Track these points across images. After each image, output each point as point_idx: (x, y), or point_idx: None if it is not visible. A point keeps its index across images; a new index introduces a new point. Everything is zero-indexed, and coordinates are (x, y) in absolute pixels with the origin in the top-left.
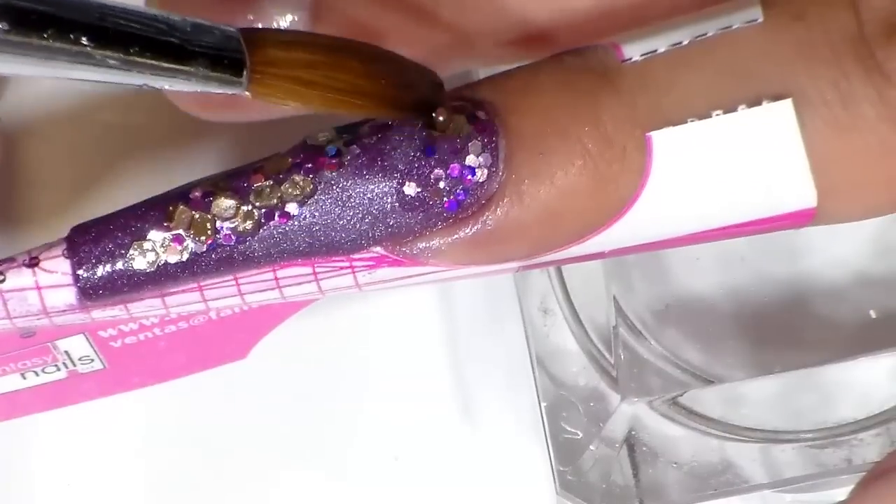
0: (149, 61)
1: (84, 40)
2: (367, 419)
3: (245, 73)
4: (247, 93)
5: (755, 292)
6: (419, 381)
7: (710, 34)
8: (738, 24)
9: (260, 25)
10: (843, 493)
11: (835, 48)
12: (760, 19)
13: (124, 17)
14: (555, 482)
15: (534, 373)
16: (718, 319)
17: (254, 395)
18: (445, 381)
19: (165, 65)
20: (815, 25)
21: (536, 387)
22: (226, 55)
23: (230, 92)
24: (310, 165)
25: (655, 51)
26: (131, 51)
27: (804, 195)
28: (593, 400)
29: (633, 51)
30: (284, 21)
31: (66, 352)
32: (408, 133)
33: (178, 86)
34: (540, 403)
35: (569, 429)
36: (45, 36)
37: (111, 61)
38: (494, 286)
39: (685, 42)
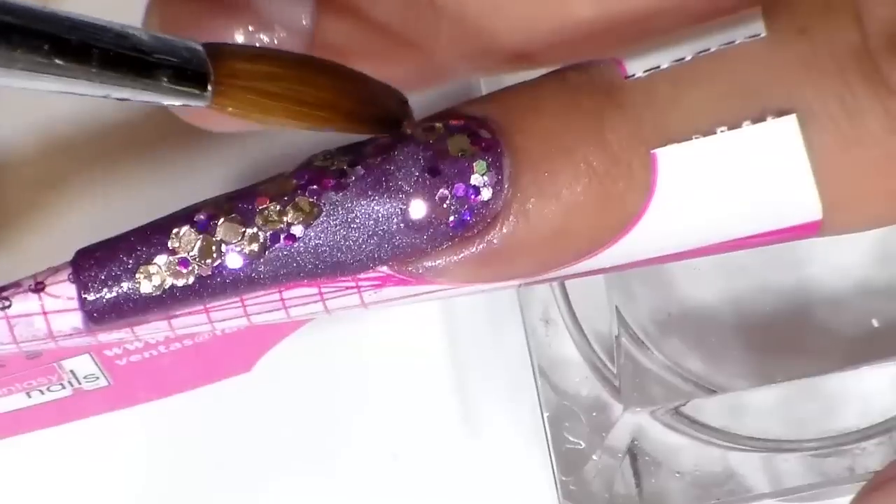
0: (112, 73)
1: (48, 51)
2: (369, 432)
3: (209, 85)
4: (211, 105)
5: (757, 301)
6: (421, 393)
7: (712, 49)
8: (740, 39)
9: (256, 41)
10: (845, 501)
11: (839, 62)
12: (763, 34)
13: (89, 30)
14: (557, 492)
15: (536, 383)
16: (720, 329)
17: (257, 408)
18: (448, 393)
19: (130, 77)
20: (819, 39)
21: (539, 397)
22: (190, 67)
23: (195, 104)
24: (314, 187)
25: (658, 67)
26: (95, 62)
27: (809, 209)
28: (596, 410)
29: (636, 67)
30: (285, 26)
31: (71, 370)
32: (412, 153)
33: (143, 97)
34: (542, 413)
35: (571, 439)
36: (11, 46)
37: (75, 72)
38: (496, 297)
39: (688, 58)
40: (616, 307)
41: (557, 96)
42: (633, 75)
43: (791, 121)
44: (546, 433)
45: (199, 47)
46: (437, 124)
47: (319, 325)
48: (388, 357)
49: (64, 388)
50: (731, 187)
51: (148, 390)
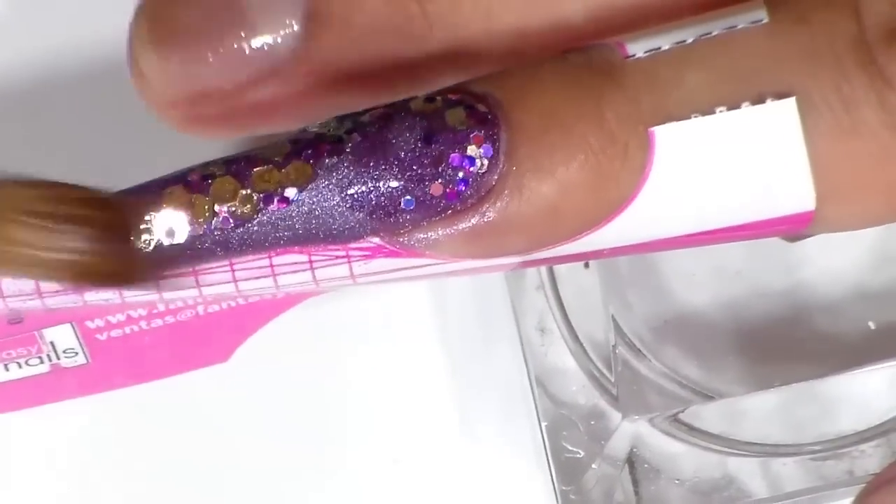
0: None
1: None
2: (363, 444)
3: None
4: None
5: (753, 307)
6: (416, 404)
7: (714, 33)
8: (742, 24)
9: (247, 48)
10: None
11: (837, 52)
12: (765, 20)
13: None
14: (558, 502)
15: (533, 392)
16: (717, 335)
17: (256, 413)
18: (443, 404)
19: None
20: (818, 29)
21: (536, 406)
22: None
23: None
24: (310, 151)
25: (659, 48)
26: None
27: (803, 196)
28: (594, 418)
29: (637, 48)
30: (277, 35)
31: (51, 342)
32: (409, 122)
33: None
34: (540, 423)
35: (570, 448)
36: None
37: None
38: (490, 305)
39: (689, 40)
40: (612, 315)
41: (557, 74)
42: (634, 56)
43: (790, 103)
44: (544, 443)
45: None
46: (437, 97)
47: (316, 329)
48: (381, 368)
49: (42, 362)
50: (726, 168)
51: (126, 374)
